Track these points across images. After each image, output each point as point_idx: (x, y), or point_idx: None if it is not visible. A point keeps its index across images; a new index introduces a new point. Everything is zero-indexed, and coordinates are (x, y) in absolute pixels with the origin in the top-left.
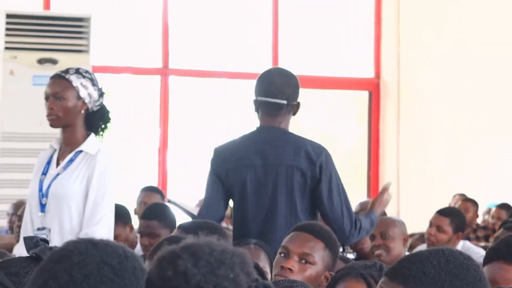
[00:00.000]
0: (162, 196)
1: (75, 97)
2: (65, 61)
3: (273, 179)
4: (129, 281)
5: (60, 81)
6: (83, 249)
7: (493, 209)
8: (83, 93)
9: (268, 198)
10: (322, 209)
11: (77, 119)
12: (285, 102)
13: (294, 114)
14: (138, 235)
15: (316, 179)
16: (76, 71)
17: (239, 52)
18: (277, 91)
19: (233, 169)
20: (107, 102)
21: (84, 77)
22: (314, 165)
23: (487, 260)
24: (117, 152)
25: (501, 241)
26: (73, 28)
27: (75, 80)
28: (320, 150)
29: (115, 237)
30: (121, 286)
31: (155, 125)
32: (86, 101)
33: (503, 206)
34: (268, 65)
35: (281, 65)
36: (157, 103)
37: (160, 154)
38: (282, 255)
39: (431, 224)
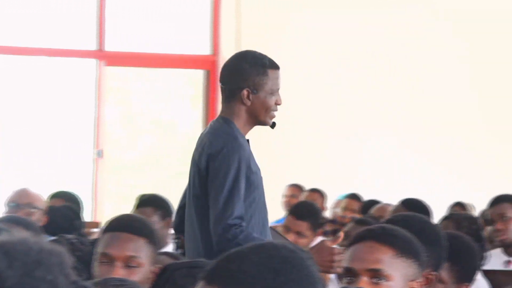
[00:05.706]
0: None
1: None
2: None
3: (190, 181)
4: None
5: None
6: None
7: (344, 200)
8: None
9: (189, 203)
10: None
11: None
12: (222, 85)
13: (244, 104)
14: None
15: (204, 176)
16: None
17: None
18: (220, 74)
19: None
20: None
21: None
22: (205, 160)
23: (358, 239)
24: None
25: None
26: None
27: None
28: (216, 142)
29: None
30: None
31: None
32: None
33: (353, 197)
34: (92, 43)
35: (107, 40)
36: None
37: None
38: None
39: (288, 229)
